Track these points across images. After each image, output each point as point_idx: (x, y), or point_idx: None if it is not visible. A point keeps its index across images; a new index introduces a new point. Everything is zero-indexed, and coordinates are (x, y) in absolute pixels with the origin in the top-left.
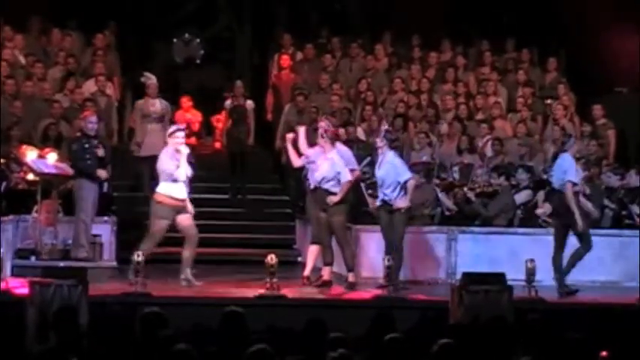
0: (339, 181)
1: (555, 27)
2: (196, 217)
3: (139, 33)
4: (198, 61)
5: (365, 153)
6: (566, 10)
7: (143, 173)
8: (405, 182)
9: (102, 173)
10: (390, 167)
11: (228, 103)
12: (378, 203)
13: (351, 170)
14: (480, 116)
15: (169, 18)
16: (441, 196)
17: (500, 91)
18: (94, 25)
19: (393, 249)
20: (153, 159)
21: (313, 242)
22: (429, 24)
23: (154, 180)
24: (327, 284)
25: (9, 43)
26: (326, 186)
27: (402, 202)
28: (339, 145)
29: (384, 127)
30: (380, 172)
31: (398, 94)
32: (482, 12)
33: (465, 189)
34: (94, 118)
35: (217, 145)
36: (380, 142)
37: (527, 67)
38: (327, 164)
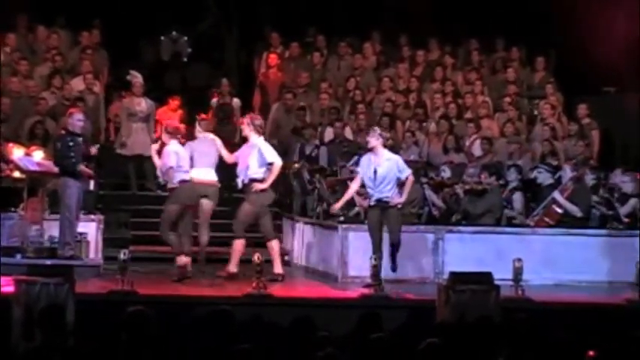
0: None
1: (545, 26)
2: None
3: (126, 31)
4: (185, 59)
5: (352, 151)
6: (556, 9)
7: (130, 172)
8: (406, 178)
9: (85, 170)
10: (392, 164)
11: (214, 101)
12: (372, 203)
13: (269, 163)
14: (468, 115)
15: (157, 16)
16: (429, 194)
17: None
18: (81, 22)
19: (380, 248)
20: (138, 158)
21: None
22: (419, 23)
23: (140, 179)
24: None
25: None
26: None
27: (398, 198)
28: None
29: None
30: (381, 170)
31: (386, 93)
32: (472, 11)
33: (456, 187)
34: (80, 116)
35: None
36: (375, 140)
37: (516, 66)
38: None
